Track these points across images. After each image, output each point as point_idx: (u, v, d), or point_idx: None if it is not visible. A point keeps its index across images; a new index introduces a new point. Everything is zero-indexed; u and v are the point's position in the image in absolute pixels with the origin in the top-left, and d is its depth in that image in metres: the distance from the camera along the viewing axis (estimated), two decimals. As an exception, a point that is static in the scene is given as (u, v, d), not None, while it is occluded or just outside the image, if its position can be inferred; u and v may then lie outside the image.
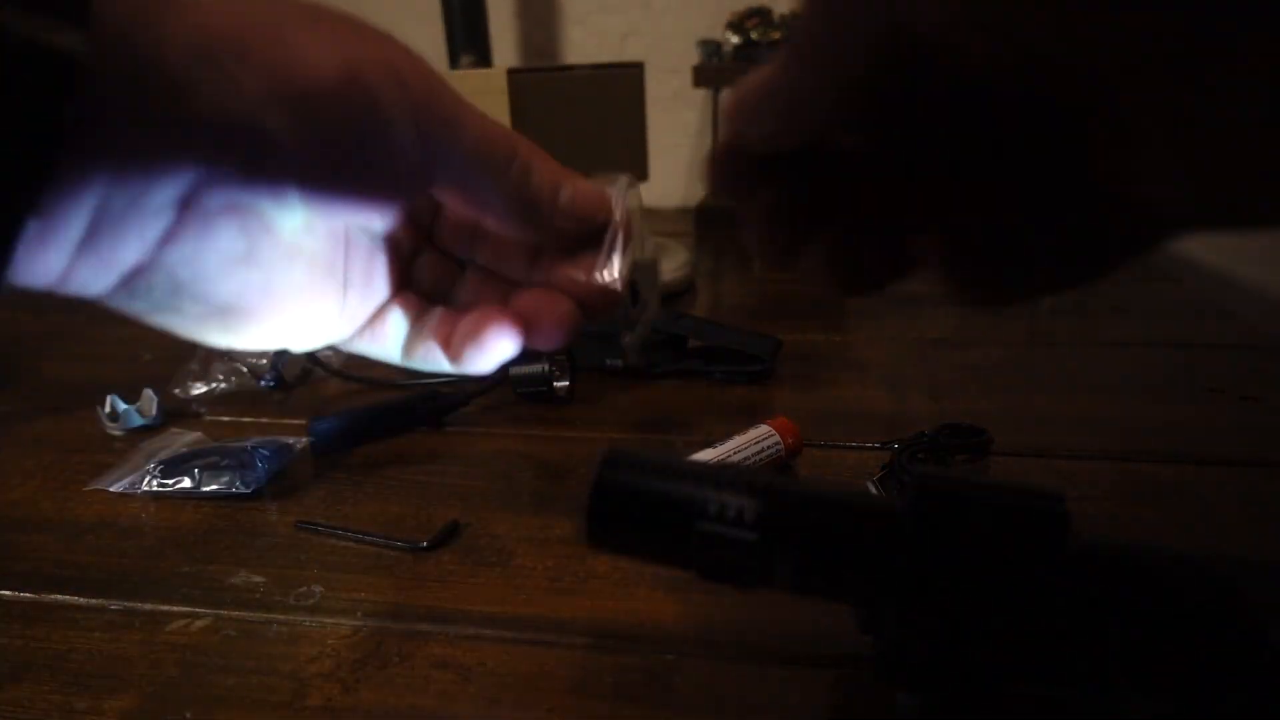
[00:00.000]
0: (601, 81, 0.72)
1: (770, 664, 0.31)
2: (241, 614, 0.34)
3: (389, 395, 0.52)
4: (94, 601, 0.35)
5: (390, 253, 0.27)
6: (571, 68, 0.74)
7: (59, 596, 0.35)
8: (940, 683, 0.24)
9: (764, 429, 0.44)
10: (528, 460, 0.46)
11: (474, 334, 0.25)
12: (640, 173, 0.74)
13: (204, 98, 0.18)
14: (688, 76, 1.21)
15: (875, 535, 0.24)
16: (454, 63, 1.06)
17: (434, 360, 0.26)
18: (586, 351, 0.57)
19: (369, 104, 0.21)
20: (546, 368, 0.52)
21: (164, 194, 0.19)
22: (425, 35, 1.20)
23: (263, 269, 0.22)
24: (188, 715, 0.29)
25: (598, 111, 0.72)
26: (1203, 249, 1.17)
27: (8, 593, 0.36)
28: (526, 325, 0.26)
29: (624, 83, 0.72)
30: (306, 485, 0.44)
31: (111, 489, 0.44)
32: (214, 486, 0.43)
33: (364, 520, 0.40)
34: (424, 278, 0.28)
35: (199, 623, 0.34)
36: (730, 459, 0.42)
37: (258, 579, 0.36)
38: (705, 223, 1.11)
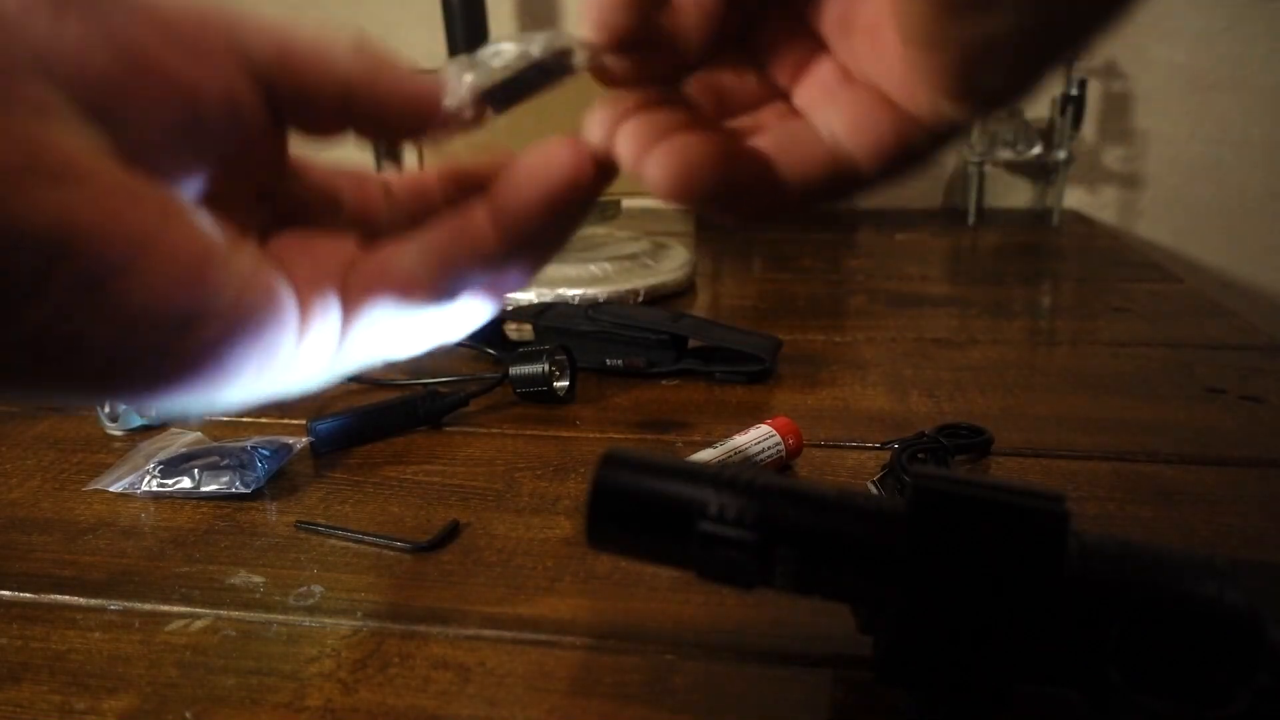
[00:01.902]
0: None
1: (770, 664, 0.31)
2: (241, 614, 0.34)
3: (389, 395, 0.52)
4: (93, 602, 0.35)
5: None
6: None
7: (58, 597, 0.35)
8: (940, 683, 0.24)
9: (764, 429, 0.44)
10: (528, 460, 0.46)
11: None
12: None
13: None
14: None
15: (875, 535, 0.24)
16: (454, 63, 1.06)
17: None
18: (586, 351, 0.57)
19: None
20: (546, 368, 0.52)
21: None
22: (425, 35, 1.20)
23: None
24: (187, 715, 0.29)
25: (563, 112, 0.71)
26: (1203, 249, 1.17)
27: (7, 593, 0.36)
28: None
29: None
30: (306, 485, 0.44)
31: (111, 489, 0.44)
32: (214, 486, 0.43)
33: (364, 520, 0.40)
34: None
35: (198, 623, 0.34)
36: (730, 459, 0.42)
37: (257, 579, 0.36)
38: (705, 223, 1.11)
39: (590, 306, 0.61)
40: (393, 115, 0.21)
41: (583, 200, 0.21)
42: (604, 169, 0.21)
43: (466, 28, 1.07)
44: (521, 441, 0.48)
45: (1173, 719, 0.23)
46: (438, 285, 0.21)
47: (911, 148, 0.20)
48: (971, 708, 0.24)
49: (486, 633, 0.33)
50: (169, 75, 0.17)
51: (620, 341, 0.57)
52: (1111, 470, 0.44)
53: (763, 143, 0.21)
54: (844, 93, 0.20)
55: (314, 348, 0.20)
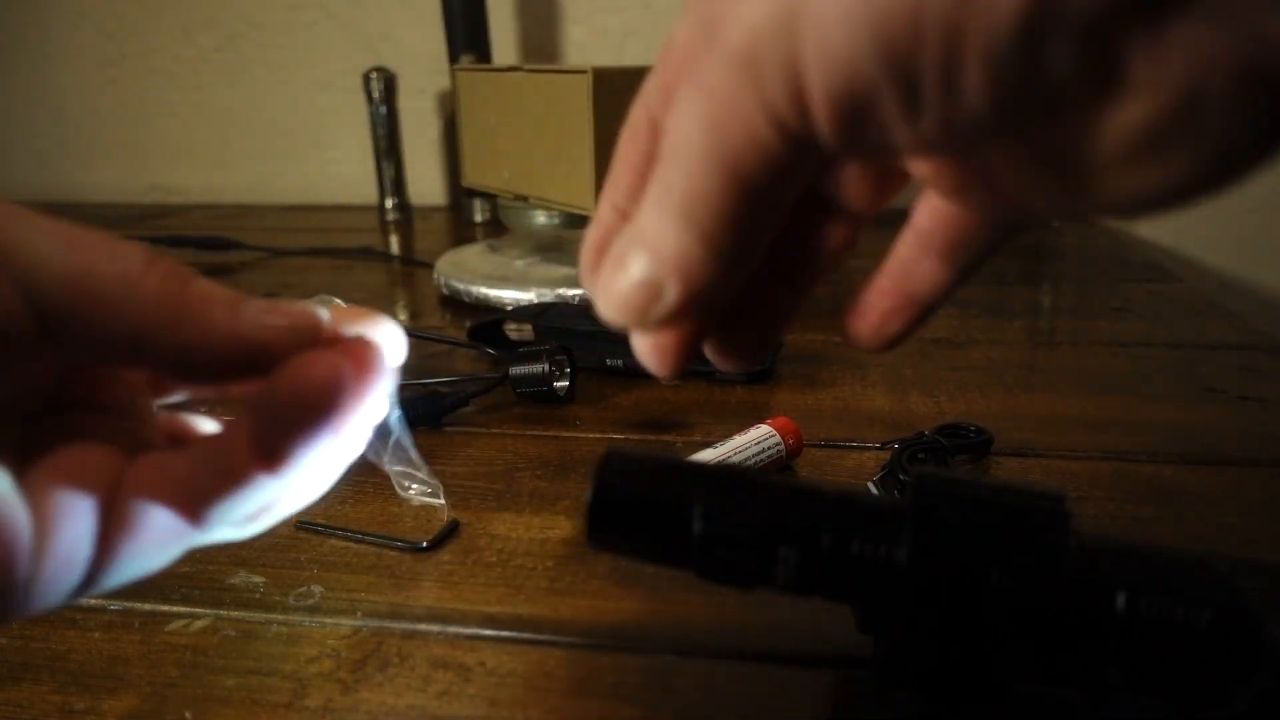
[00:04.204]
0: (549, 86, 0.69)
1: (770, 664, 0.31)
2: (241, 614, 0.34)
3: (389, 395, 0.52)
4: (93, 602, 0.35)
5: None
6: (516, 69, 0.72)
7: (58, 596, 0.35)
8: (940, 683, 0.24)
9: (764, 429, 0.44)
10: (528, 460, 0.46)
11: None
12: (585, 189, 0.67)
13: None
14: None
15: (875, 535, 0.24)
16: (454, 62, 1.06)
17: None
18: (586, 351, 0.57)
19: None
20: (546, 368, 0.52)
21: None
22: (425, 35, 1.20)
23: None
24: (187, 715, 0.29)
25: (548, 117, 0.69)
26: (1203, 249, 1.18)
27: (7, 593, 0.36)
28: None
29: (570, 89, 0.68)
30: (306, 485, 0.44)
31: (111, 489, 0.44)
32: (213, 486, 0.42)
33: (364, 520, 0.40)
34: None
35: (198, 623, 0.34)
36: (730, 459, 0.42)
37: (257, 579, 0.36)
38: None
39: (590, 306, 0.61)
40: (193, 364, 0.18)
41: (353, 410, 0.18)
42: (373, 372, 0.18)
43: (466, 28, 1.07)
44: (521, 441, 0.48)
45: (1172, 719, 0.23)
46: (195, 513, 0.18)
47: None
48: (971, 708, 0.24)
49: (486, 632, 0.33)
50: None
51: (620, 341, 0.56)
52: (1111, 470, 0.44)
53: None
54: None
55: (52, 576, 0.17)
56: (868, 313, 0.23)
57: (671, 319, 0.17)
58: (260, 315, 0.18)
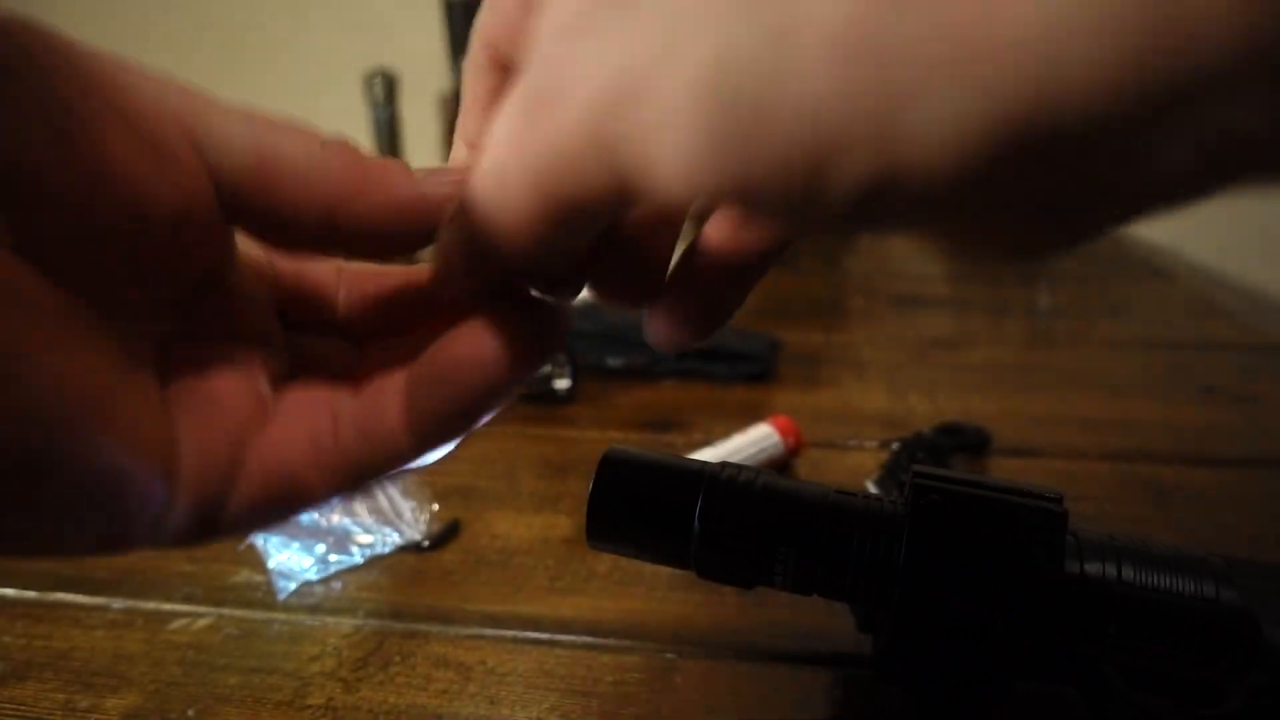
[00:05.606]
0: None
1: (770, 663, 0.31)
2: (243, 613, 0.34)
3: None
4: (97, 600, 0.35)
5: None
6: None
7: (62, 595, 0.36)
8: (940, 682, 0.24)
9: (764, 428, 0.44)
10: (529, 459, 0.46)
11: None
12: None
13: None
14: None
15: (874, 535, 0.24)
16: (455, 63, 1.06)
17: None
18: (588, 351, 0.57)
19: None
20: (547, 368, 0.52)
21: None
22: (425, 35, 1.20)
23: None
24: (190, 714, 0.29)
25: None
26: (1201, 249, 1.18)
27: (11, 592, 0.36)
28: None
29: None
30: (308, 485, 0.44)
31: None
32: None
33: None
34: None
35: (201, 621, 0.34)
36: (730, 458, 0.42)
37: (259, 578, 0.36)
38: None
39: (590, 306, 0.61)
40: (382, 233, 0.18)
41: (512, 389, 0.18)
42: (535, 351, 0.18)
43: (466, 28, 1.07)
44: (522, 441, 0.49)
45: (1170, 717, 0.23)
46: (340, 488, 0.18)
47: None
48: (970, 705, 0.24)
49: (487, 631, 0.33)
50: (114, 169, 0.15)
51: (620, 341, 0.57)
52: (1109, 470, 0.44)
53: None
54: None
55: (181, 522, 0.17)
56: (689, 292, 0.21)
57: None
58: (433, 174, 0.19)
